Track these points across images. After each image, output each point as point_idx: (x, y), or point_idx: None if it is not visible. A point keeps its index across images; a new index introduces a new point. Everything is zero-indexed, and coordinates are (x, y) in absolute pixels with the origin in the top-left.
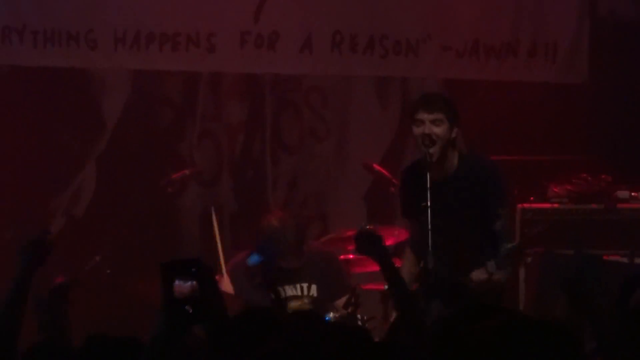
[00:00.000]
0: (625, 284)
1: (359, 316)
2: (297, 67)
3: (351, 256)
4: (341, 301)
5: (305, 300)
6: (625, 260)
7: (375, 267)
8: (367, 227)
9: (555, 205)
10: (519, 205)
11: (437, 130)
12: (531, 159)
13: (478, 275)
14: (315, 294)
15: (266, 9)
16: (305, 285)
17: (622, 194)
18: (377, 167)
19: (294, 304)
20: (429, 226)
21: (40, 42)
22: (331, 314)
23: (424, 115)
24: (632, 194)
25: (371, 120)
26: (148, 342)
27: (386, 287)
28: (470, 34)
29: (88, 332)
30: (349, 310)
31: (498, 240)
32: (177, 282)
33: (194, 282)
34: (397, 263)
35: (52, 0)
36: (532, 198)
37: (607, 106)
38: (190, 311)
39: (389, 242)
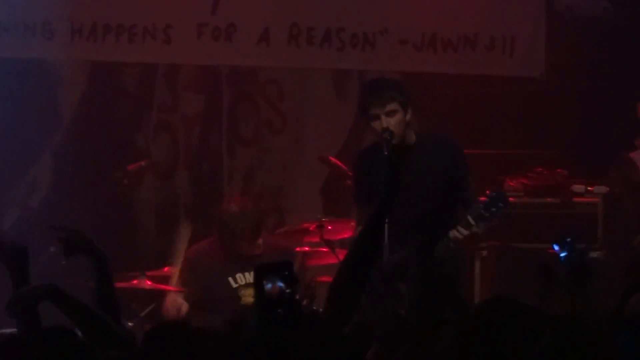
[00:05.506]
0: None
1: (314, 308)
2: (254, 59)
3: (307, 248)
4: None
5: None
6: None
7: (331, 260)
8: None
9: (511, 199)
10: None
11: (393, 120)
12: (488, 152)
13: (459, 231)
14: None
15: (223, 1)
16: None
17: (578, 188)
18: (333, 160)
19: (247, 292)
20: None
21: None
22: None
23: (377, 110)
24: (588, 188)
25: (328, 113)
26: (242, 339)
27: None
28: (428, 28)
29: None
30: (305, 302)
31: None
32: (266, 285)
33: (283, 285)
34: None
35: None
36: (488, 192)
37: (563, 101)
38: (282, 314)
39: (345, 235)
